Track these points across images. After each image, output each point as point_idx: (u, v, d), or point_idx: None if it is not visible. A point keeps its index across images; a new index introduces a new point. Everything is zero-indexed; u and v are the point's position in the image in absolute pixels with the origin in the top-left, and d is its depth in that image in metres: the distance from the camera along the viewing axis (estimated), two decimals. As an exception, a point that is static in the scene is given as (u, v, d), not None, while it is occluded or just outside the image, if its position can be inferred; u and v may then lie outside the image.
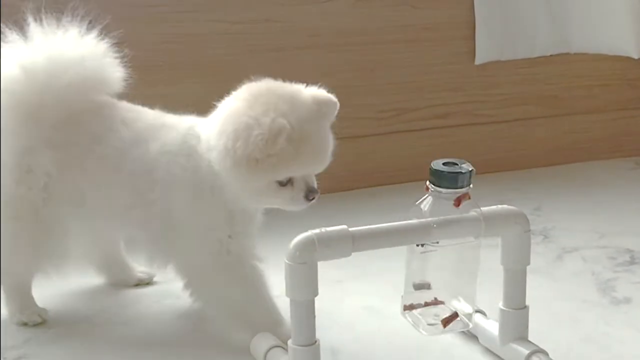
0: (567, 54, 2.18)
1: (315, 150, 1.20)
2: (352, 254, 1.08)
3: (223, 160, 1.19)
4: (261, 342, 1.21)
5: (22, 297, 1.40)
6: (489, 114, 2.19)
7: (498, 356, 1.23)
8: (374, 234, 1.10)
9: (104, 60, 1.34)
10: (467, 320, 1.19)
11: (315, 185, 1.23)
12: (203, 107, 1.32)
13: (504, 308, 1.19)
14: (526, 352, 1.17)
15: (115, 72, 1.35)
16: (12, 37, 1.31)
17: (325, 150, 1.22)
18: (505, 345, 1.20)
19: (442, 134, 2.15)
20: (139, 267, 1.55)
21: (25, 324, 1.37)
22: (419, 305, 1.17)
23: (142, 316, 1.43)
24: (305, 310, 1.08)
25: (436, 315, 1.18)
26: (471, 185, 1.14)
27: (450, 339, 1.26)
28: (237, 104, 1.21)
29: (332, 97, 1.23)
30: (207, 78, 1.86)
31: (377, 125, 2.10)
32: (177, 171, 1.25)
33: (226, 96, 1.26)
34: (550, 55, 2.18)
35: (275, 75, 2.01)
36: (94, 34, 1.33)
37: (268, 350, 1.19)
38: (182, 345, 1.32)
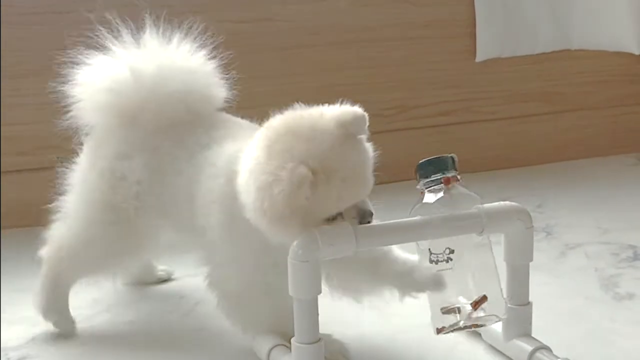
0: (568, 50, 2.18)
1: (349, 179, 1.08)
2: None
3: (259, 220, 1.10)
4: (264, 341, 1.21)
5: (57, 298, 1.36)
6: (490, 110, 2.19)
7: (502, 353, 1.22)
8: (377, 232, 1.10)
9: (211, 78, 1.34)
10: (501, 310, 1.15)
11: (370, 208, 1.12)
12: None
13: (508, 304, 1.19)
14: (530, 348, 1.17)
15: (219, 91, 1.35)
16: (127, 38, 1.32)
17: (361, 174, 1.10)
18: (509, 341, 1.20)
19: (444, 131, 2.15)
20: (160, 266, 1.56)
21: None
22: (451, 327, 1.14)
23: (146, 315, 1.43)
24: (309, 308, 1.08)
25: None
26: (457, 173, 1.13)
27: (453, 336, 1.26)
28: (257, 154, 1.11)
29: (357, 110, 1.12)
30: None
31: (379, 123, 2.08)
32: (216, 190, 1.20)
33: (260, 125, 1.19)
34: (552, 52, 2.18)
35: (277, 74, 2.01)
36: (203, 52, 1.34)
37: (271, 349, 1.19)
38: (187, 344, 1.32)
